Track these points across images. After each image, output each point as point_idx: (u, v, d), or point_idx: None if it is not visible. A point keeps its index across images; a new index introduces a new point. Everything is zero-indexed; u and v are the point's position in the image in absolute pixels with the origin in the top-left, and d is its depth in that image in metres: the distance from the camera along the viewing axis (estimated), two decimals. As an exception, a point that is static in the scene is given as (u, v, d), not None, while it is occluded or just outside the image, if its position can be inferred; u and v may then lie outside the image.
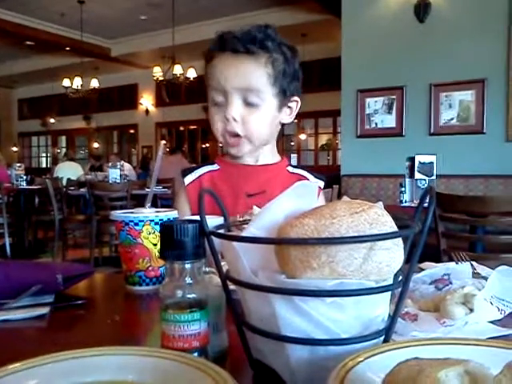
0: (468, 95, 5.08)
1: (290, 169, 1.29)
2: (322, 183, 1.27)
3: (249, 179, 1.21)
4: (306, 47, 9.39)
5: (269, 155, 1.25)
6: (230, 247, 0.49)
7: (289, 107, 1.21)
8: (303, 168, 1.33)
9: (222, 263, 0.52)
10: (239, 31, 1.12)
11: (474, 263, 0.91)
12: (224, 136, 1.16)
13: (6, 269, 0.86)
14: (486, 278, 0.75)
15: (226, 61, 1.12)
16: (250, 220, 0.56)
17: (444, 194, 2.80)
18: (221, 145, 1.21)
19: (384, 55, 5.39)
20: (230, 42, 1.11)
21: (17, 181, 6.42)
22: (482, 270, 0.87)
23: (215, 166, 1.28)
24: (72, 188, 6.16)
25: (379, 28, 5.45)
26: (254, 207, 1.01)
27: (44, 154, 17.39)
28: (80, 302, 0.84)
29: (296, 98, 1.20)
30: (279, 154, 1.31)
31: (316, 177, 1.29)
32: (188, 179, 1.25)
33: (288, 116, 1.22)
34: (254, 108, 1.13)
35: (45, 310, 0.78)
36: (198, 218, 0.52)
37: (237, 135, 1.15)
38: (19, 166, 6.73)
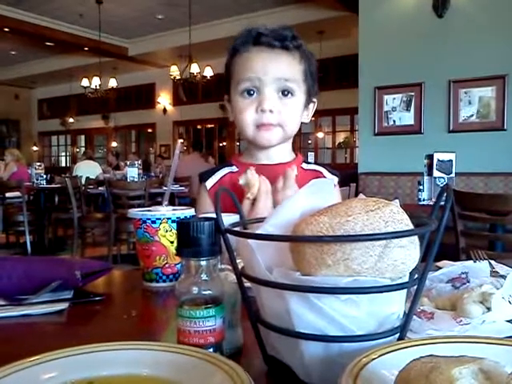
0: (488, 91, 5.00)
1: (305, 165, 1.29)
2: (336, 179, 1.28)
3: (267, 177, 1.19)
4: (323, 44, 9.35)
5: (285, 154, 1.26)
6: (246, 244, 0.50)
7: (306, 108, 1.23)
8: (317, 164, 1.33)
9: (238, 260, 0.53)
10: (267, 29, 1.15)
11: (492, 262, 0.90)
12: (255, 126, 1.16)
13: (25, 265, 0.87)
14: (504, 277, 0.74)
15: (262, 53, 1.13)
16: (265, 218, 0.56)
17: (463, 192, 2.77)
18: (249, 135, 1.17)
19: (402, 51, 5.34)
20: (264, 37, 1.13)
21: (37, 180, 6.52)
22: (500, 268, 0.86)
23: (234, 168, 1.27)
24: (91, 186, 6.24)
25: (397, 24, 5.39)
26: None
27: (63, 153, 17.63)
28: (98, 297, 0.85)
29: (314, 99, 1.24)
30: (294, 151, 1.32)
31: (330, 172, 1.30)
32: (210, 183, 1.25)
33: (306, 116, 1.25)
34: (288, 98, 1.14)
35: (64, 306, 0.80)
36: (214, 215, 0.53)
37: (270, 125, 1.15)
38: (39, 165, 6.83)
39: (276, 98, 1.13)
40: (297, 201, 0.54)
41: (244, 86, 1.14)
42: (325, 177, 1.26)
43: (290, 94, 1.14)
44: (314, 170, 1.28)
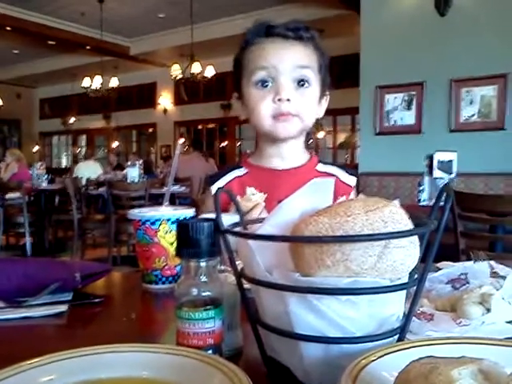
0: (489, 91, 4.99)
1: (320, 167, 1.25)
2: (353, 180, 1.25)
3: (280, 185, 1.16)
4: (324, 43, 9.29)
5: (297, 155, 1.22)
6: (245, 245, 0.50)
7: (320, 102, 1.21)
8: (335, 165, 1.28)
9: (237, 261, 0.52)
10: (279, 22, 1.14)
11: (492, 262, 0.89)
12: (272, 117, 1.12)
13: (25, 267, 0.87)
14: (504, 278, 0.74)
15: (276, 44, 1.12)
16: (264, 218, 0.56)
17: (463, 193, 2.77)
18: (267, 127, 1.13)
19: (403, 50, 5.33)
20: (277, 29, 1.12)
21: (38, 179, 6.52)
22: (500, 269, 0.86)
23: (243, 170, 1.24)
24: (91, 188, 6.23)
25: (399, 23, 5.38)
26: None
27: (64, 153, 17.63)
28: (97, 299, 0.85)
29: (327, 92, 1.22)
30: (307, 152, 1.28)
31: (348, 173, 1.25)
32: (216, 187, 1.23)
33: (320, 109, 1.22)
34: (305, 89, 1.12)
35: (63, 308, 0.80)
36: (213, 216, 0.53)
37: (288, 114, 1.12)
38: (41, 165, 6.84)
39: (293, 87, 1.11)
40: (296, 201, 0.54)
41: (259, 76, 1.11)
42: (341, 181, 1.21)
43: (306, 83, 1.12)
44: (329, 174, 1.22)
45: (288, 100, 1.10)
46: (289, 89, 1.10)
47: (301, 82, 1.12)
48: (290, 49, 1.12)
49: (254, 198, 1.09)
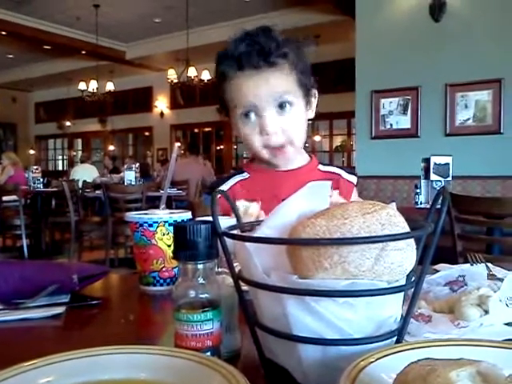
0: (484, 95, 5.01)
1: (322, 167, 1.27)
2: (354, 179, 1.28)
3: (282, 185, 1.17)
4: (320, 48, 9.35)
5: (298, 157, 1.23)
6: (243, 247, 0.50)
7: (309, 104, 1.20)
8: (335, 165, 1.31)
9: (235, 264, 0.52)
10: (244, 42, 1.09)
11: (489, 265, 0.90)
12: (266, 149, 1.14)
13: (22, 269, 0.87)
14: (501, 280, 0.74)
15: (250, 78, 1.09)
16: (262, 221, 0.56)
17: (460, 196, 2.78)
18: (265, 158, 1.16)
19: (399, 55, 5.35)
20: (246, 59, 1.08)
21: (34, 183, 6.51)
22: (497, 271, 0.86)
23: (245, 175, 1.25)
24: (88, 190, 6.22)
25: (394, 28, 5.41)
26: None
27: (60, 157, 17.58)
28: (95, 301, 0.85)
29: (314, 90, 1.21)
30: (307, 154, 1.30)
31: (349, 173, 1.28)
32: None
33: (311, 111, 1.22)
34: (288, 112, 1.12)
35: (61, 310, 0.80)
36: (210, 218, 0.53)
37: (280, 147, 1.14)
38: (36, 169, 6.82)
39: (276, 116, 1.11)
40: (294, 203, 0.54)
41: (242, 110, 1.12)
42: (343, 178, 1.25)
43: (288, 106, 1.12)
44: (332, 172, 1.26)
45: (275, 133, 1.11)
46: (273, 122, 1.10)
47: (283, 106, 1.11)
48: (265, 82, 1.09)
49: (250, 210, 1.09)
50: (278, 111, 1.11)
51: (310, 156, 1.28)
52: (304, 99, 1.16)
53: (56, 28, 10.61)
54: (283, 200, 1.13)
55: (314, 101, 1.22)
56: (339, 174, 1.26)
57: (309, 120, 1.23)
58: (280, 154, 1.15)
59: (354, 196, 1.26)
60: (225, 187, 1.23)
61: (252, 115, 1.12)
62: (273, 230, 0.52)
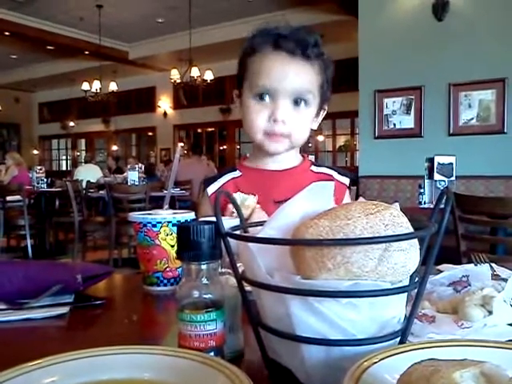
0: (488, 95, 5.00)
1: (315, 168, 1.26)
2: (347, 180, 1.26)
3: (275, 185, 1.18)
4: (323, 48, 9.33)
5: (292, 158, 1.23)
6: (246, 248, 0.50)
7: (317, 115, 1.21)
8: (327, 166, 1.30)
9: (238, 264, 0.52)
10: (287, 29, 1.11)
11: (493, 265, 0.89)
12: (264, 133, 1.13)
13: (26, 269, 0.87)
14: (505, 280, 0.74)
15: (281, 60, 1.09)
16: (265, 221, 0.56)
17: (464, 196, 2.77)
18: (257, 140, 1.15)
19: (402, 55, 5.34)
20: (285, 42, 1.09)
21: (38, 183, 6.53)
22: (501, 271, 0.86)
23: (237, 173, 1.25)
24: (91, 190, 6.24)
25: (397, 27, 5.40)
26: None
27: (64, 157, 17.63)
28: (99, 301, 0.85)
29: (325, 106, 1.21)
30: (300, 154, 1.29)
31: (341, 174, 1.27)
32: (211, 189, 1.23)
33: (316, 123, 1.22)
34: (302, 109, 1.11)
35: (65, 310, 0.80)
36: (214, 219, 0.53)
37: (280, 135, 1.13)
38: (40, 169, 6.85)
39: (290, 108, 1.11)
40: (297, 204, 0.54)
41: (258, 90, 1.11)
42: (335, 180, 1.23)
43: (304, 104, 1.11)
44: (324, 174, 1.25)
45: (283, 122, 1.10)
46: (286, 110, 1.10)
47: (298, 102, 1.11)
48: (295, 70, 1.09)
49: (247, 202, 1.08)
50: (293, 106, 1.11)
51: (302, 156, 1.28)
52: (318, 106, 1.16)
53: (59, 28, 10.64)
54: (275, 201, 1.12)
55: (322, 115, 1.22)
56: (331, 176, 1.24)
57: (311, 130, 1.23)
58: (273, 139, 1.13)
59: (347, 198, 1.24)
60: (217, 184, 1.23)
61: (267, 98, 1.11)
62: (276, 230, 0.52)
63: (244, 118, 1.16)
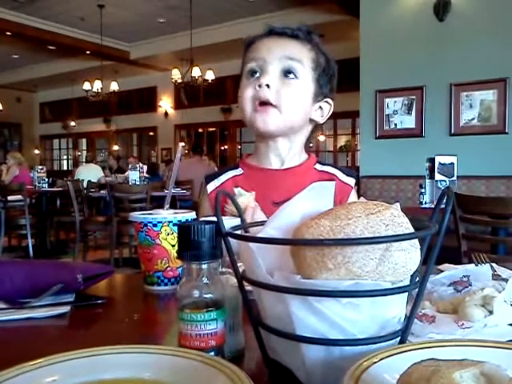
0: (489, 95, 5.00)
1: (319, 167, 1.24)
2: (352, 181, 1.23)
3: (275, 186, 1.16)
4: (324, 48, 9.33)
5: (294, 154, 1.20)
6: (247, 248, 0.50)
7: (320, 108, 1.19)
8: (333, 165, 1.27)
9: (239, 264, 0.53)
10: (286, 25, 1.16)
11: (494, 265, 0.89)
12: (251, 104, 1.11)
13: (27, 268, 0.88)
14: (506, 280, 0.74)
15: (270, 39, 1.14)
16: (265, 221, 0.56)
17: (465, 196, 2.77)
18: (247, 117, 1.13)
19: (403, 55, 5.34)
20: (277, 28, 1.14)
21: (39, 183, 6.54)
22: (502, 271, 0.86)
23: (239, 171, 1.23)
24: (93, 190, 6.24)
25: (398, 28, 5.40)
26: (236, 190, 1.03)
27: (65, 157, 17.64)
28: (100, 301, 0.85)
29: (330, 100, 1.20)
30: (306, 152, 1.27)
31: (346, 174, 1.24)
32: (211, 186, 1.22)
33: (320, 116, 1.20)
34: (291, 80, 1.11)
35: (65, 309, 0.80)
36: (214, 219, 0.53)
37: (267, 103, 1.10)
38: (41, 169, 6.85)
39: (277, 76, 1.10)
40: (297, 204, 0.54)
41: (249, 66, 1.13)
42: (339, 180, 1.21)
43: (293, 75, 1.10)
44: (328, 173, 1.22)
45: (267, 85, 1.08)
46: (272, 76, 1.10)
47: (287, 73, 1.10)
48: (283, 42, 1.13)
49: (240, 199, 1.08)
50: (281, 76, 1.11)
51: (308, 154, 1.25)
52: (313, 86, 1.14)
53: (60, 28, 10.65)
54: (274, 202, 1.11)
55: (327, 110, 1.21)
56: (335, 175, 1.22)
57: (315, 122, 1.21)
58: (261, 110, 1.10)
59: (353, 198, 1.20)
60: (217, 182, 1.22)
61: (257, 71, 1.12)
62: (277, 230, 0.52)
63: (238, 100, 1.17)
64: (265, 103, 1.10)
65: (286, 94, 1.10)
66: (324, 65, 1.16)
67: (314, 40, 1.15)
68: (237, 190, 1.09)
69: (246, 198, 1.08)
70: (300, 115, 1.14)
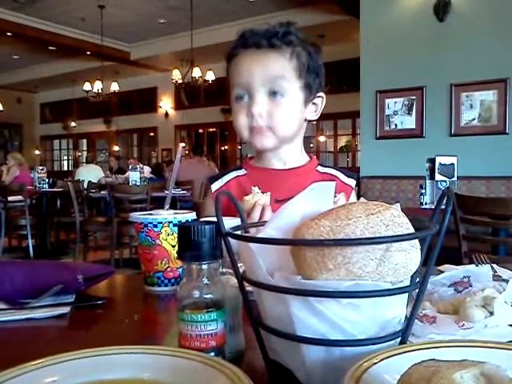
0: (490, 95, 4.99)
1: (320, 168, 1.26)
2: (353, 182, 1.26)
3: (278, 184, 1.18)
4: (325, 48, 9.19)
5: (297, 156, 1.23)
6: (247, 248, 0.50)
7: (314, 104, 1.20)
8: (334, 167, 1.30)
9: (239, 264, 0.52)
10: (261, 28, 1.14)
11: (494, 266, 0.89)
12: (248, 130, 1.15)
13: (28, 269, 0.88)
14: (507, 281, 0.74)
15: (249, 56, 1.12)
16: (266, 221, 0.56)
17: (465, 196, 2.77)
18: (245, 139, 1.17)
19: (403, 55, 5.34)
20: (252, 37, 1.12)
21: (39, 184, 6.54)
22: (503, 272, 0.86)
23: (242, 171, 1.26)
24: (93, 190, 6.24)
25: (398, 28, 5.40)
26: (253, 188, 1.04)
27: (65, 157, 17.65)
28: (100, 301, 0.85)
29: (321, 94, 1.21)
30: (307, 154, 1.29)
31: (347, 175, 1.27)
32: (215, 186, 1.25)
33: (314, 113, 1.21)
34: (279, 100, 1.12)
35: (66, 310, 0.80)
36: (215, 219, 0.53)
37: (260, 129, 1.14)
38: (41, 169, 6.85)
39: (266, 100, 1.12)
40: (297, 204, 0.54)
41: (236, 92, 1.15)
42: (340, 181, 1.23)
43: (279, 95, 1.12)
44: (330, 174, 1.25)
45: (259, 115, 1.11)
46: (260, 103, 1.11)
47: (274, 94, 1.12)
48: (262, 60, 1.11)
49: (257, 196, 1.09)
50: (269, 97, 1.12)
51: (310, 157, 1.28)
52: (302, 93, 1.15)
53: (61, 29, 10.66)
54: (277, 200, 1.12)
55: (320, 104, 1.22)
56: (337, 177, 1.24)
57: (310, 121, 1.23)
58: (258, 134, 1.14)
59: (352, 199, 1.23)
60: (220, 182, 1.25)
61: (245, 97, 1.13)
62: (277, 230, 0.52)
63: (232, 124, 1.19)
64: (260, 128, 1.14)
65: (278, 115, 1.13)
66: (308, 62, 1.14)
67: (292, 40, 1.12)
68: (254, 189, 1.10)
69: (262, 197, 1.09)
70: (295, 127, 1.18)
